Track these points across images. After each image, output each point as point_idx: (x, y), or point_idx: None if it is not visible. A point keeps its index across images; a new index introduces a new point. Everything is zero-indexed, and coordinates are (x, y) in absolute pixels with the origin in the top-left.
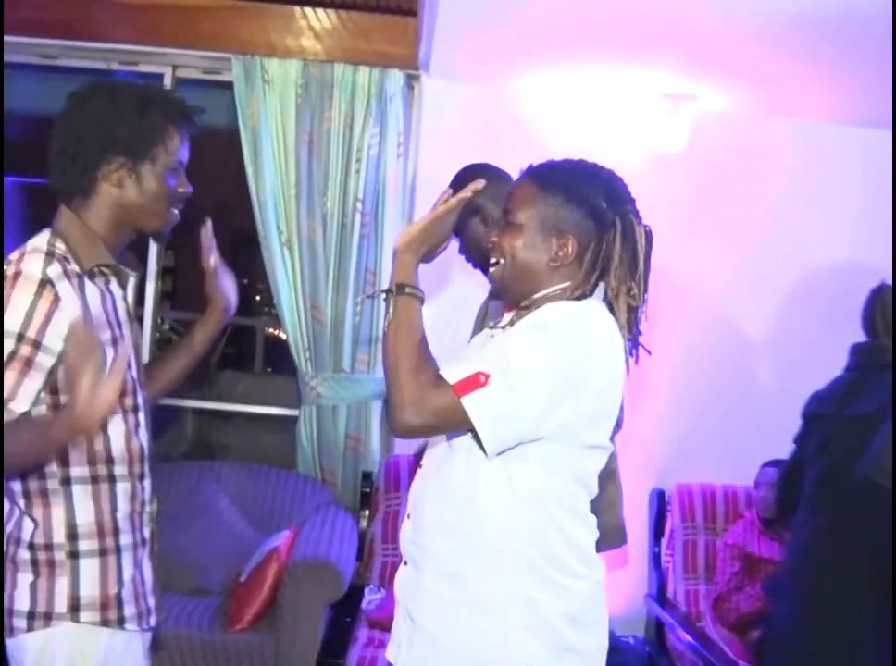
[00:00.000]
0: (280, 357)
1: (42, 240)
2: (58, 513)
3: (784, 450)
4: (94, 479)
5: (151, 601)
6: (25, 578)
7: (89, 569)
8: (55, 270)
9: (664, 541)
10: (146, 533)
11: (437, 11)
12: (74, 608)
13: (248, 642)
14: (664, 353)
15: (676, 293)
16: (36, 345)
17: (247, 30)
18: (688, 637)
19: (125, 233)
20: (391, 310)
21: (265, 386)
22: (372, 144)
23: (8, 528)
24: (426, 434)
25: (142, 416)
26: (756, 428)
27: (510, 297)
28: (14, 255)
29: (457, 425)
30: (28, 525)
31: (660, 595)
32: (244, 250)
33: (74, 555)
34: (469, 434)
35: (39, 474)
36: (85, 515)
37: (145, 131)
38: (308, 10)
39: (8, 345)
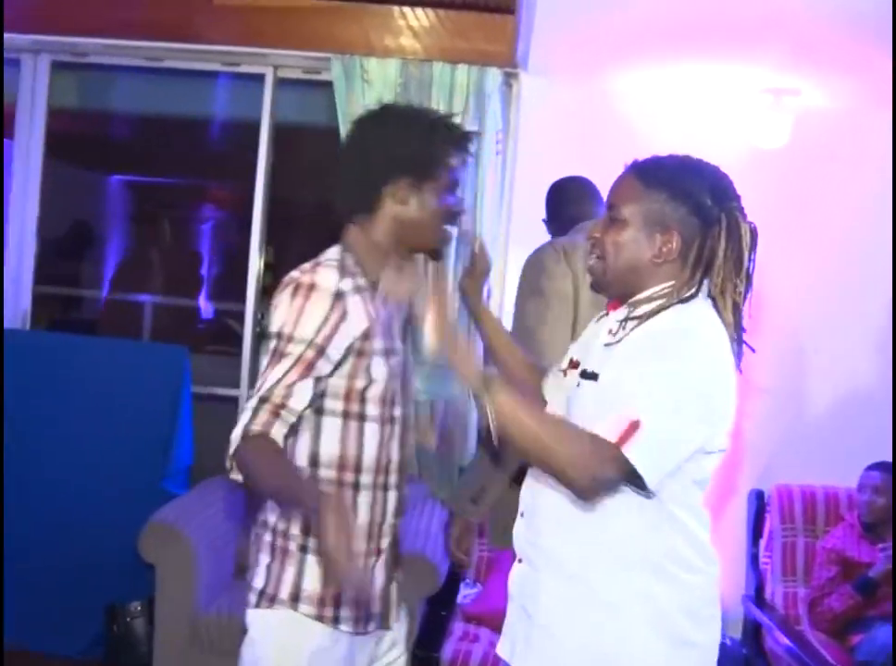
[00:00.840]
0: None
1: (333, 254)
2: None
3: (888, 452)
4: (340, 483)
5: (374, 609)
6: (264, 559)
7: (314, 565)
8: (347, 284)
9: (762, 542)
10: (383, 544)
11: (535, 8)
12: (295, 597)
13: None
14: (765, 351)
15: (778, 290)
16: (321, 352)
17: (347, 30)
18: (786, 640)
19: (404, 251)
20: (488, 412)
21: None
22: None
23: (263, 513)
24: (606, 490)
25: (398, 429)
26: (860, 429)
27: (612, 293)
28: (307, 266)
29: (624, 472)
30: (274, 511)
31: (758, 596)
32: None
33: (304, 549)
34: None
35: (316, 463)
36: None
37: (431, 154)
38: (407, 10)
39: (298, 349)
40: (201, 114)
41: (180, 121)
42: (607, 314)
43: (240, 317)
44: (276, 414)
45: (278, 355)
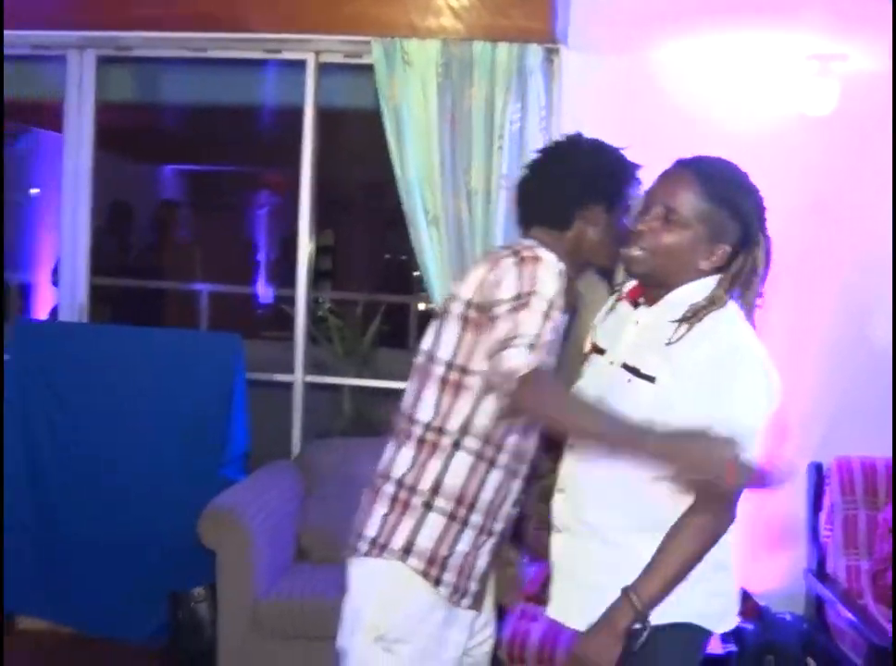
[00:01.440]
0: None
1: (533, 244)
2: (435, 466)
3: None
4: (479, 456)
5: (473, 586)
6: (379, 509)
7: (433, 524)
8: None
9: (822, 516)
10: (496, 527)
11: None
12: (406, 550)
13: None
14: (818, 318)
15: (831, 258)
16: (547, 315)
17: (388, 12)
18: (849, 614)
19: (578, 266)
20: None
21: None
22: (514, 120)
23: (382, 465)
24: (729, 516)
25: None
26: None
27: (650, 283)
28: (516, 245)
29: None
30: (402, 464)
31: (819, 570)
32: (397, 228)
33: (428, 506)
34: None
35: (441, 429)
36: (454, 479)
37: (619, 183)
38: None
39: (543, 305)
40: (247, 101)
41: (227, 110)
42: (625, 300)
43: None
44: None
45: (526, 311)
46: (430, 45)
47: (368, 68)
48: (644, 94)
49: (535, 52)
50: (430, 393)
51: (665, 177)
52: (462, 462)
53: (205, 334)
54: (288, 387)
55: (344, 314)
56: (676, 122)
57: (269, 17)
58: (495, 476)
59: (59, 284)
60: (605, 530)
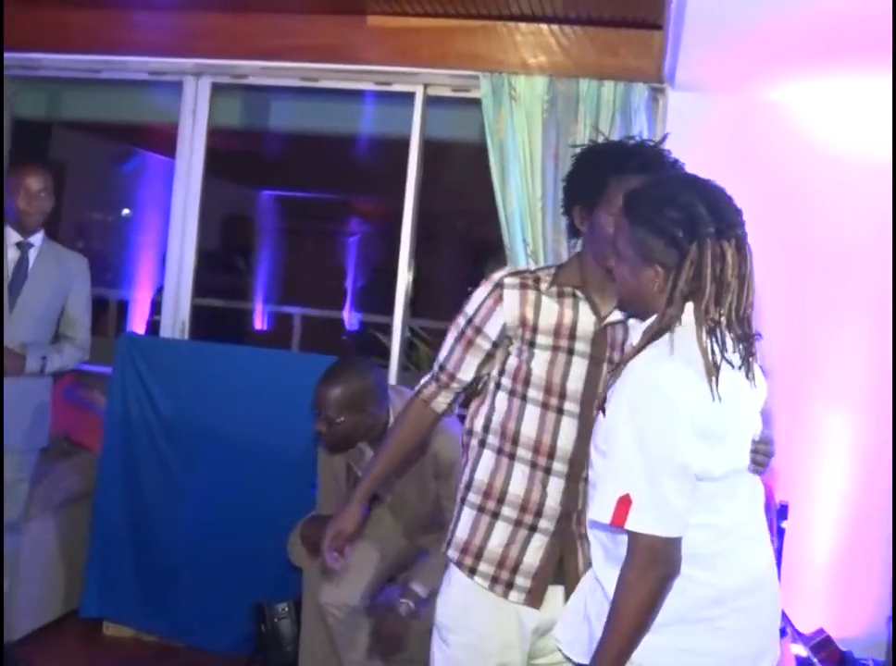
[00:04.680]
0: None
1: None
2: (469, 465)
3: None
4: (499, 451)
5: (520, 581)
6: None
7: (467, 516)
8: (511, 281)
9: None
10: (541, 523)
11: (683, 24)
12: (448, 542)
13: None
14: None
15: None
16: (478, 330)
17: (496, 48)
18: None
19: (605, 271)
20: None
21: None
22: None
23: None
24: (659, 569)
25: (566, 420)
26: None
27: (632, 314)
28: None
29: (661, 547)
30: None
31: None
32: (489, 260)
33: (463, 501)
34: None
35: (470, 431)
36: (483, 474)
37: (591, 182)
38: (555, 27)
39: (462, 321)
40: (351, 130)
41: (331, 138)
42: None
43: (384, 329)
44: (444, 386)
45: (452, 327)
46: (537, 81)
47: (474, 102)
48: (748, 136)
49: (641, 91)
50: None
51: None
52: (487, 458)
53: (305, 356)
54: None
55: (432, 343)
56: (779, 165)
57: (381, 50)
58: (520, 469)
59: (163, 302)
60: (594, 560)
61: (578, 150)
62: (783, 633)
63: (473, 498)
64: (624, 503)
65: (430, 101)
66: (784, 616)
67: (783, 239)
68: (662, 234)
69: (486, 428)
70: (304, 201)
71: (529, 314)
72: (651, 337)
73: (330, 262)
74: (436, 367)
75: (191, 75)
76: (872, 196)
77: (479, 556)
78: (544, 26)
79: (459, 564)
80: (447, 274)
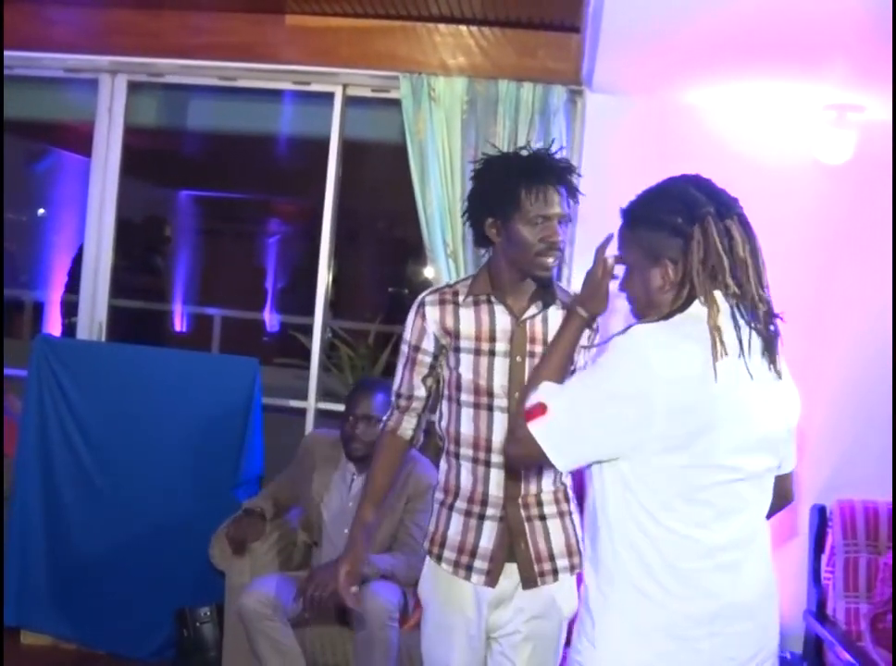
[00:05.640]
0: None
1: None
2: (440, 468)
3: None
4: (447, 452)
5: (479, 564)
6: None
7: (436, 513)
8: (431, 298)
9: (824, 558)
10: (487, 511)
11: (600, 27)
12: (425, 536)
13: None
14: (826, 363)
15: (841, 303)
16: (416, 349)
17: (415, 49)
18: (847, 656)
19: (518, 275)
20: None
21: None
22: None
23: None
24: (525, 462)
25: (497, 415)
26: None
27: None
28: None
29: (536, 457)
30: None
31: (819, 612)
32: (408, 260)
33: (436, 500)
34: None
35: (440, 437)
36: (442, 474)
37: (501, 193)
38: (474, 28)
39: (405, 348)
40: (270, 130)
41: (251, 138)
42: None
43: (305, 330)
44: (405, 410)
45: (399, 358)
46: (457, 82)
47: (394, 103)
48: (665, 137)
49: (559, 93)
50: None
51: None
52: (444, 460)
53: (223, 357)
54: (297, 412)
55: (354, 344)
56: (694, 165)
57: (300, 49)
58: (464, 466)
59: (80, 303)
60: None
61: (477, 165)
62: None
63: (438, 495)
64: (541, 409)
65: (350, 101)
66: None
67: None
68: (662, 226)
69: (440, 436)
70: (222, 201)
71: (450, 325)
72: (661, 318)
73: (250, 263)
74: (393, 398)
75: (106, 73)
76: (785, 197)
77: (442, 544)
78: (463, 27)
79: (429, 553)
80: (368, 274)
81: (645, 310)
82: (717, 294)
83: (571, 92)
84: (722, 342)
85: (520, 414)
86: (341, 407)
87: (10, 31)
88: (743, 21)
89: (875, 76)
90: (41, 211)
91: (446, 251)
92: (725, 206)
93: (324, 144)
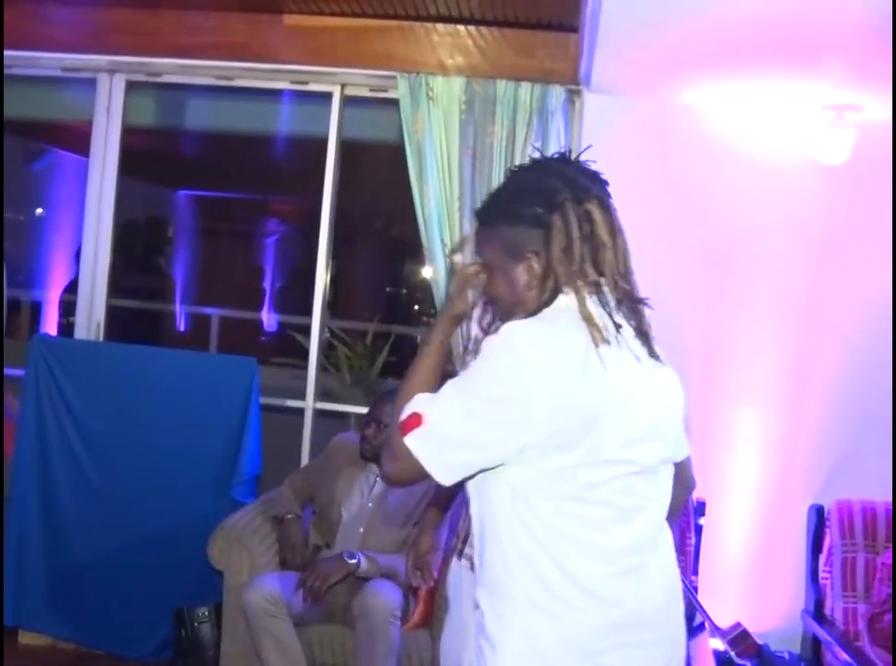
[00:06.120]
0: None
1: None
2: None
3: None
4: None
5: None
6: None
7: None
8: None
9: (822, 557)
10: None
11: (598, 27)
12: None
13: None
14: (824, 363)
15: (840, 303)
16: None
17: (413, 49)
18: (845, 656)
19: None
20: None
21: None
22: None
23: None
24: (404, 480)
25: None
26: None
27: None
28: None
29: (415, 473)
30: None
31: (817, 612)
32: (406, 260)
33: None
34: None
35: None
36: None
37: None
38: (472, 28)
39: None
40: (268, 130)
41: (249, 138)
42: None
43: (303, 330)
44: None
45: None
46: (455, 82)
47: (392, 103)
48: (662, 137)
49: (557, 92)
50: None
51: None
52: None
53: (221, 357)
54: (295, 412)
55: (351, 344)
56: (692, 165)
57: (298, 49)
58: None
59: (77, 303)
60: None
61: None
62: (701, 628)
63: None
64: (416, 419)
65: (348, 101)
66: (702, 610)
67: (695, 238)
68: (520, 219)
69: None
70: (220, 201)
71: None
72: (529, 315)
73: (248, 262)
74: None
75: (104, 72)
76: (783, 196)
77: (465, 541)
78: (461, 27)
79: (457, 551)
80: (366, 274)
81: (513, 309)
82: (581, 283)
83: (569, 93)
84: (599, 330)
85: (395, 429)
86: (339, 407)
87: (8, 30)
88: (741, 21)
89: (873, 76)
90: (39, 210)
91: (444, 250)
92: (582, 190)
93: (322, 144)
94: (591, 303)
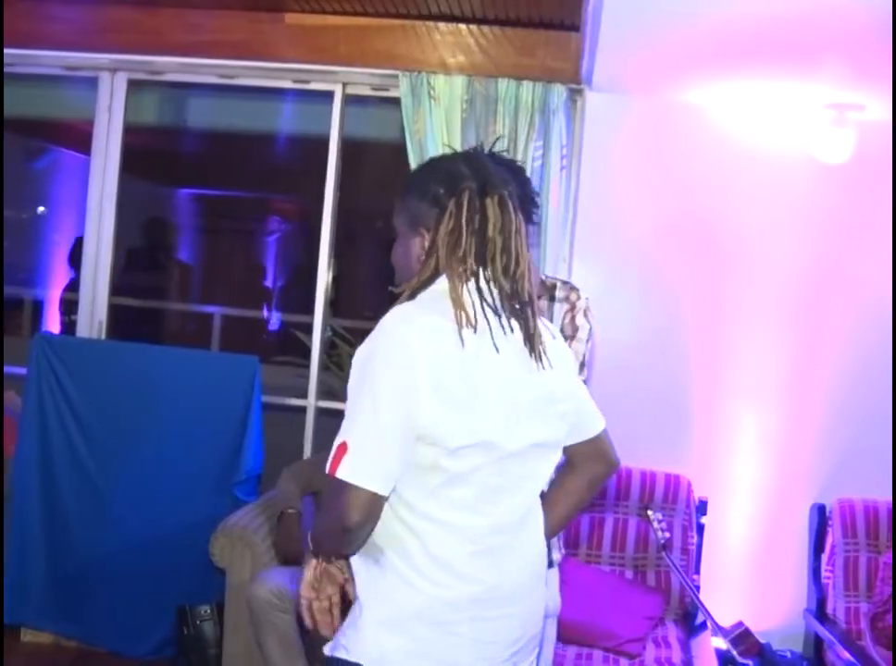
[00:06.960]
0: None
1: None
2: None
3: None
4: None
5: None
6: None
7: None
8: None
9: (824, 557)
10: None
11: (600, 26)
12: None
13: None
14: (825, 362)
15: (840, 302)
16: None
17: (415, 48)
18: (847, 655)
19: None
20: None
21: None
22: (535, 158)
23: None
24: (370, 516)
25: None
26: None
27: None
28: None
29: (365, 500)
30: None
31: (819, 611)
32: None
33: None
34: None
35: None
36: None
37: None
38: (474, 27)
39: None
40: (270, 128)
41: (250, 136)
42: None
43: (305, 328)
44: None
45: None
46: (456, 81)
47: (393, 101)
48: (664, 136)
49: (559, 91)
50: None
51: None
52: None
53: (223, 355)
54: (297, 411)
55: (354, 342)
56: (693, 164)
57: (299, 47)
58: None
59: (80, 301)
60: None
61: None
62: (703, 627)
63: None
64: (340, 450)
65: (349, 99)
66: (704, 609)
67: (696, 237)
68: (425, 196)
69: None
70: (222, 199)
71: None
72: (408, 296)
73: (250, 261)
74: None
75: (106, 70)
76: (784, 196)
77: None
78: (463, 26)
79: None
80: (367, 273)
81: (403, 278)
82: (460, 268)
83: (571, 91)
84: (466, 315)
85: (329, 475)
86: (341, 406)
87: (10, 29)
88: (743, 20)
89: (874, 75)
90: (41, 209)
91: None
92: (490, 184)
93: (323, 143)
94: (465, 290)
